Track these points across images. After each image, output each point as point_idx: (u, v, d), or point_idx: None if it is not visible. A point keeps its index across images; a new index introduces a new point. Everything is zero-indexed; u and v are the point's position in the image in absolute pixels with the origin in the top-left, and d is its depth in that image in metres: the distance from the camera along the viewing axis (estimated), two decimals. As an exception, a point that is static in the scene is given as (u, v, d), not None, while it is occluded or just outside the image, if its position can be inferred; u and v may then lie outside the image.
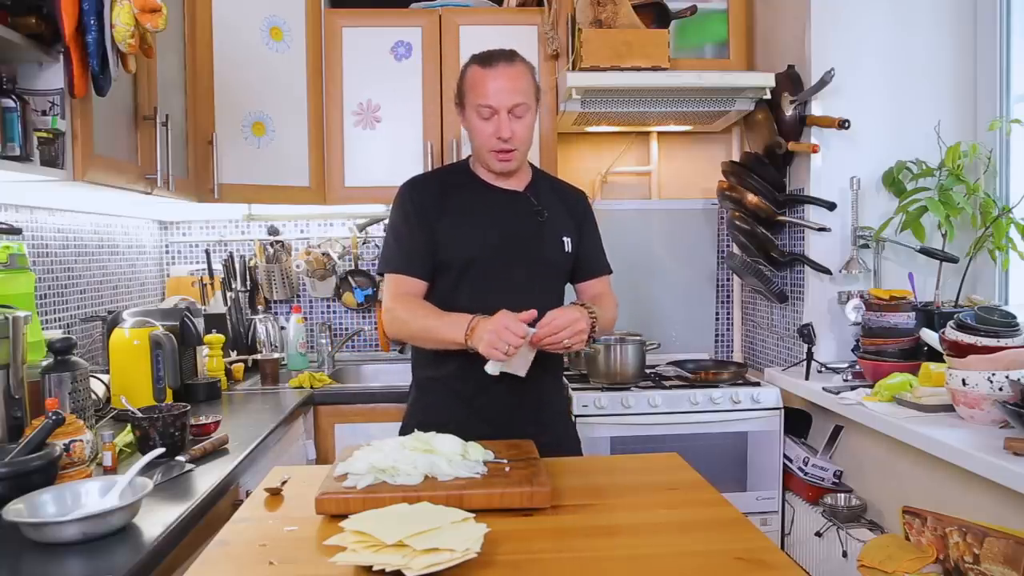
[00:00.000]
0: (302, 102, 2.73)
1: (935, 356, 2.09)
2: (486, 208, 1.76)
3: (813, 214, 2.57)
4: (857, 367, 2.35)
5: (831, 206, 2.53)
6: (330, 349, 2.95)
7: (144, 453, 1.37)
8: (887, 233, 2.46)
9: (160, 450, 1.45)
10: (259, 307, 3.03)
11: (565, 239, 1.80)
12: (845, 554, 2.11)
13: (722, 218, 3.14)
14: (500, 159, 1.71)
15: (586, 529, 1.16)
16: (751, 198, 2.70)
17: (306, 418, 2.43)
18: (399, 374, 2.90)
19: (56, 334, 1.95)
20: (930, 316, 2.29)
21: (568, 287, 1.89)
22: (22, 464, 1.28)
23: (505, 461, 1.35)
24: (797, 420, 2.57)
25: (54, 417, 1.36)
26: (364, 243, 3.16)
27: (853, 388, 2.22)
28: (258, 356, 2.72)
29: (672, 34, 2.77)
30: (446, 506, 1.14)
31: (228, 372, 2.56)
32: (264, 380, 2.62)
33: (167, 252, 3.12)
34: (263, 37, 2.63)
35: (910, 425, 1.83)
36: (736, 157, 3.04)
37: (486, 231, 1.73)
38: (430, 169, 2.70)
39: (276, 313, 3.09)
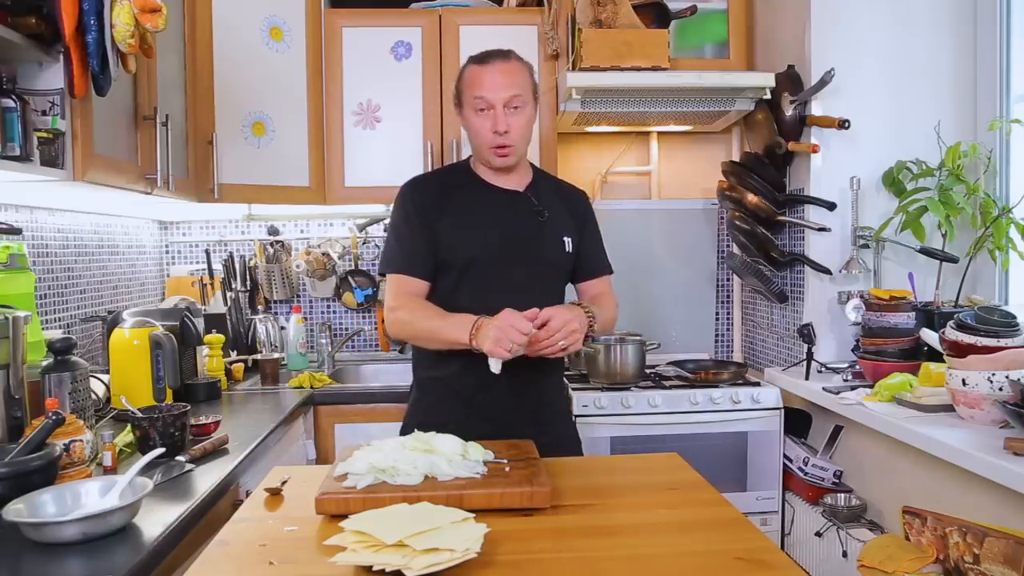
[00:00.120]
0: (302, 102, 2.73)
1: (935, 356, 2.09)
2: (487, 208, 1.76)
3: (813, 214, 2.57)
4: (857, 367, 2.35)
5: (831, 206, 2.53)
6: (330, 349, 2.95)
7: (144, 453, 1.37)
8: (887, 233, 2.46)
9: (160, 450, 1.45)
10: (259, 307, 3.03)
11: (566, 239, 1.80)
12: (845, 554, 2.11)
13: (722, 218, 3.14)
14: (498, 154, 1.71)
15: (586, 529, 1.16)
16: (751, 198, 2.70)
17: (306, 418, 2.43)
18: (399, 374, 2.90)
19: (56, 334, 1.95)
20: (930, 316, 2.29)
21: (569, 287, 1.89)
22: (22, 464, 1.28)
23: (505, 461, 1.35)
24: (797, 420, 2.57)
25: (54, 417, 1.36)
26: (364, 243, 3.16)
27: (853, 388, 2.22)
28: (258, 356, 2.72)
29: (672, 34, 2.77)
30: (446, 506, 1.14)
31: (228, 372, 2.56)
32: (264, 380, 2.62)
33: (167, 252, 3.12)
34: (263, 37, 2.63)
35: (910, 425, 1.83)
36: (736, 157, 3.04)
37: (487, 231, 1.73)
38: (430, 169, 2.70)
39: (276, 313, 3.09)
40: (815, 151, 2.52)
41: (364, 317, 3.18)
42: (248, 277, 3.01)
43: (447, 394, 1.76)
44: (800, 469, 2.42)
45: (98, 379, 2.04)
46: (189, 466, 1.57)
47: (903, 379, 2.05)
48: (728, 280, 3.21)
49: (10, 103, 1.50)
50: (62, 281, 2.27)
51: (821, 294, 2.59)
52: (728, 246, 3.10)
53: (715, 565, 1.03)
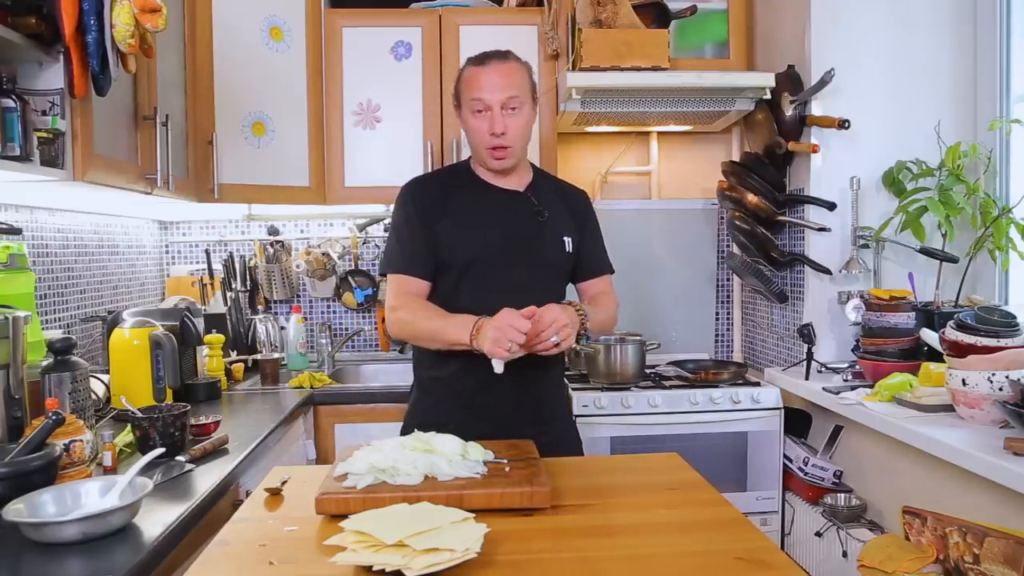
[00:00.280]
0: (302, 102, 2.73)
1: (935, 356, 2.09)
2: (487, 208, 1.76)
3: (813, 214, 2.57)
4: (857, 367, 2.35)
5: (831, 206, 2.53)
6: (330, 349, 2.95)
7: (144, 453, 1.37)
8: (887, 233, 2.46)
9: (160, 450, 1.45)
10: (259, 307, 3.03)
11: (566, 239, 1.80)
12: (845, 554, 2.11)
13: (722, 218, 3.14)
14: (495, 156, 1.71)
15: (586, 529, 1.16)
16: (751, 198, 2.70)
17: (306, 418, 2.43)
18: (399, 374, 2.90)
19: (56, 334, 1.95)
20: (930, 316, 2.29)
21: (570, 287, 1.89)
22: (22, 464, 1.28)
23: (505, 461, 1.35)
24: (797, 420, 2.57)
25: (54, 417, 1.36)
26: (364, 243, 3.16)
27: (853, 388, 2.22)
28: (258, 356, 2.72)
29: (672, 34, 2.77)
30: (446, 506, 1.14)
31: (228, 372, 2.56)
32: (264, 380, 2.62)
33: (167, 252, 3.12)
34: (263, 37, 2.63)
35: (910, 425, 1.83)
36: (736, 157, 3.04)
37: (487, 231, 1.73)
38: (430, 169, 2.70)
39: (276, 313, 3.09)
40: (815, 151, 2.52)
41: (364, 317, 3.18)
42: (248, 277, 3.01)
43: (447, 394, 1.76)
44: (800, 469, 2.42)
45: (98, 379, 2.04)
46: (189, 466, 1.57)
47: (903, 379, 2.05)
48: (728, 280, 3.21)
49: (10, 103, 1.50)
50: (62, 281, 2.27)
51: (821, 294, 2.59)
52: (728, 246, 3.10)
53: (715, 565, 1.03)
